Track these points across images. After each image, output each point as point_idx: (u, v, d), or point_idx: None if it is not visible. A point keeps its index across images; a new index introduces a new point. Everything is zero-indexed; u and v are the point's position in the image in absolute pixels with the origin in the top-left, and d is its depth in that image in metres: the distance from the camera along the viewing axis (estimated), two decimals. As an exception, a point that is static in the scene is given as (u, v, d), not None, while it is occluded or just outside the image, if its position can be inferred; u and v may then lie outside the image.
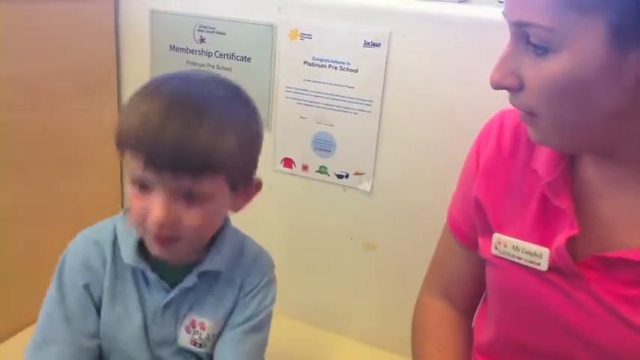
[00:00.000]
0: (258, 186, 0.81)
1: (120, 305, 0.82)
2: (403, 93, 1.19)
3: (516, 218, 0.73)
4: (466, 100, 1.14)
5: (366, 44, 1.19)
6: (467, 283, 0.89)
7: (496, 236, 0.74)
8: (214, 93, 0.73)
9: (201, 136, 0.67)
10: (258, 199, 1.35)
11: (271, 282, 0.89)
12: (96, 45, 1.38)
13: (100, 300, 0.82)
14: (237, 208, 0.81)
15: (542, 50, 0.60)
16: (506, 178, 0.76)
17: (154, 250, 0.75)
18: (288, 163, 1.33)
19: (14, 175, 1.22)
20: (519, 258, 0.71)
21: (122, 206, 1.54)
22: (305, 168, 1.31)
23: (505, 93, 1.07)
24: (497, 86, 0.64)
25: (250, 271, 0.87)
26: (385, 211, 1.27)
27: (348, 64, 1.21)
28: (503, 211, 0.75)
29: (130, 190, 0.73)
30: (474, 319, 0.92)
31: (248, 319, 0.85)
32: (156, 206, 0.69)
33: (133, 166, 0.70)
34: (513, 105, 0.66)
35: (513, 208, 0.74)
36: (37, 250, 1.30)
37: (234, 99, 0.77)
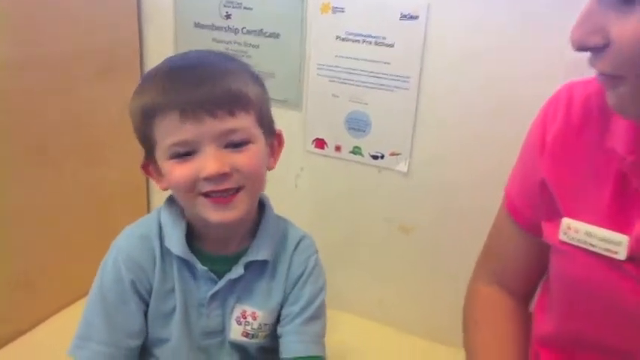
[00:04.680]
0: (280, 139, 0.82)
1: (168, 300, 0.80)
2: (442, 68, 1.13)
3: (589, 202, 0.67)
4: (510, 75, 1.07)
5: (403, 17, 1.12)
6: (526, 271, 0.83)
7: (565, 221, 0.68)
8: (227, 56, 0.80)
9: (227, 75, 0.71)
10: (288, 182, 1.32)
11: (318, 266, 0.86)
12: (118, 24, 1.32)
13: (149, 296, 0.79)
14: (271, 164, 0.81)
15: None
16: (577, 157, 0.69)
17: (215, 215, 0.72)
18: (320, 143, 1.27)
19: (36, 163, 1.18)
20: (592, 245, 0.65)
21: (147, 193, 1.49)
22: (338, 149, 1.26)
23: (558, 68, 1.02)
24: (579, 46, 0.57)
25: (294, 257, 0.84)
26: (422, 192, 1.22)
27: (384, 38, 1.15)
28: (574, 194, 0.69)
29: (165, 169, 0.72)
30: (532, 307, 0.86)
31: (304, 309, 0.83)
32: (207, 160, 0.69)
33: (169, 130, 0.69)
34: (595, 67, 0.59)
35: (586, 191, 0.67)
36: (60, 241, 1.27)
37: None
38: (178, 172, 0.70)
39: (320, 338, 0.85)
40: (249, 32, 1.27)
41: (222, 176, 0.69)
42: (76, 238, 1.30)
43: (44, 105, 1.17)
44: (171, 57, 0.78)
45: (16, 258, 1.17)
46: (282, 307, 0.84)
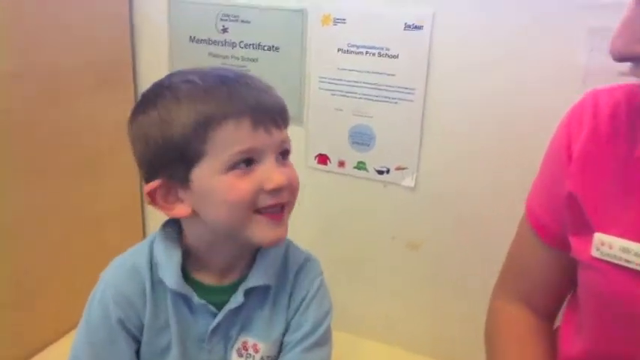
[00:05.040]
0: None
1: (162, 336, 0.74)
2: (448, 79, 1.09)
3: (622, 215, 0.63)
4: (518, 84, 1.04)
5: (407, 27, 1.09)
6: (551, 288, 0.79)
7: (598, 236, 0.64)
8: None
9: (271, 87, 0.71)
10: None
11: (323, 289, 0.80)
12: (110, 37, 1.28)
13: (140, 333, 0.73)
14: None
15: None
16: (607, 169, 0.65)
17: (271, 234, 0.68)
18: (322, 159, 1.23)
19: (30, 178, 1.13)
20: (628, 261, 0.61)
21: (142, 207, 1.44)
22: (341, 164, 1.22)
23: (568, 76, 0.99)
24: (622, 56, 0.54)
25: (297, 280, 0.78)
26: (430, 207, 1.18)
27: (387, 49, 1.11)
28: (605, 207, 0.65)
29: (218, 185, 0.65)
30: (559, 326, 0.82)
31: (307, 335, 0.76)
32: (273, 171, 0.67)
33: (237, 137, 0.65)
34: (637, 77, 0.56)
35: (617, 204, 0.64)
36: (58, 259, 1.22)
37: None
38: (242, 185, 0.65)
39: None
40: (247, 46, 1.23)
41: (286, 187, 0.67)
42: (70, 257, 1.25)
43: (37, 119, 1.12)
44: (198, 71, 0.70)
45: (7, 276, 1.12)
46: (284, 335, 0.78)
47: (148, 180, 0.69)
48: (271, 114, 0.67)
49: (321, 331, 0.77)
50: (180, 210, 0.69)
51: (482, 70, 1.06)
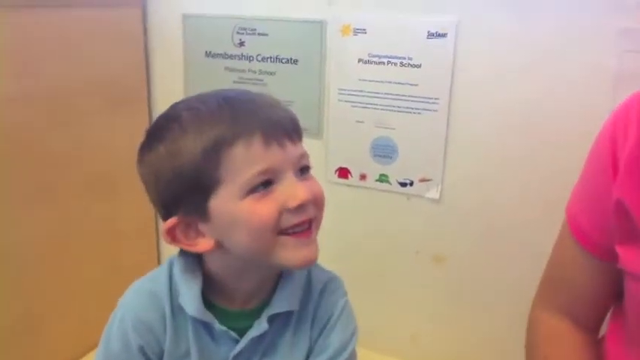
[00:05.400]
0: None
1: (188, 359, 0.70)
2: (474, 88, 1.07)
3: None
4: (547, 92, 1.02)
5: (430, 35, 1.07)
6: (595, 300, 0.76)
7: None
8: None
9: (283, 105, 0.68)
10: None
11: (347, 310, 0.76)
12: (123, 55, 1.26)
13: (159, 358, 0.70)
14: None
15: None
16: None
17: (300, 254, 0.64)
18: (343, 173, 1.20)
19: (42, 201, 1.11)
20: None
21: (156, 229, 1.41)
22: (363, 177, 1.19)
23: (598, 80, 0.97)
24: None
25: (321, 301, 0.75)
26: (456, 219, 1.15)
27: (410, 59, 1.09)
28: None
29: (237, 213, 0.62)
30: (604, 337, 0.79)
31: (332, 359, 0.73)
32: (295, 187, 0.63)
33: (251, 158, 0.61)
34: None
35: None
36: (70, 283, 1.18)
37: None
38: (265, 208, 0.61)
39: None
40: (264, 59, 1.21)
41: (308, 205, 0.64)
42: (81, 279, 1.22)
43: (50, 140, 1.10)
44: (199, 96, 0.67)
45: (18, 301, 1.08)
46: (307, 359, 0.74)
47: (165, 219, 0.66)
48: (283, 128, 0.63)
49: (346, 354, 0.73)
50: (204, 244, 0.65)
51: (508, 77, 1.04)
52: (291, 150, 0.64)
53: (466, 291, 1.18)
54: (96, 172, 1.21)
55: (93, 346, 1.21)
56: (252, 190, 0.61)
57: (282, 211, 0.62)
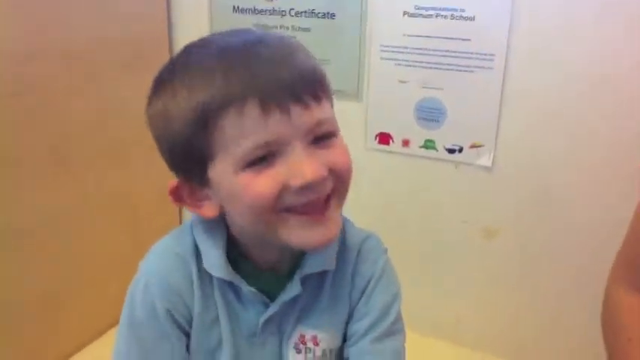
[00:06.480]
0: None
1: (212, 332, 0.64)
2: (534, 43, 0.98)
3: None
4: (616, 50, 0.92)
5: (486, -17, 0.97)
6: None
7: None
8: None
9: (298, 50, 0.55)
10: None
11: (388, 269, 0.69)
12: (144, 9, 1.17)
13: (189, 327, 0.63)
14: None
15: None
16: None
17: (312, 236, 0.55)
18: (384, 138, 1.12)
19: (55, 168, 1.03)
20: None
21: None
22: (406, 143, 1.11)
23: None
24: None
25: (358, 262, 0.67)
26: (509, 190, 1.06)
27: (462, 10, 1.00)
28: None
29: (233, 186, 0.53)
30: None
31: (375, 324, 0.65)
32: (302, 163, 0.52)
33: (246, 129, 0.51)
34: None
35: None
36: (85, 257, 1.12)
37: None
38: (261, 184, 0.52)
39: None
40: (298, 14, 1.12)
41: (322, 179, 0.53)
42: (101, 252, 1.15)
43: (63, 102, 1.02)
44: (203, 40, 0.58)
45: (36, 276, 1.02)
46: (347, 324, 0.67)
47: (181, 178, 0.59)
48: (289, 89, 0.52)
49: (391, 317, 0.66)
50: (209, 209, 0.59)
51: (572, 31, 0.95)
52: (300, 116, 0.52)
53: (518, 269, 1.10)
54: (113, 137, 1.13)
55: (114, 323, 1.15)
56: (252, 163, 0.52)
57: (284, 188, 0.53)
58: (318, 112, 0.54)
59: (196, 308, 0.62)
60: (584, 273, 1.03)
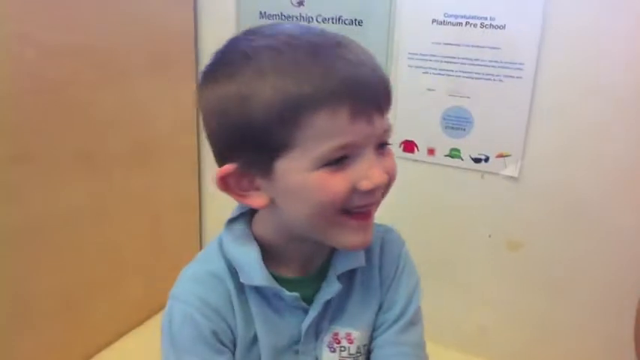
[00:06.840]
0: None
1: (252, 349, 0.63)
2: (565, 52, 0.97)
3: None
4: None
5: (517, -8, 0.96)
6: None
7: None
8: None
9: (373, 56, 0.56)
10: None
11: (409, 260, 0.71)
12: (171, 13, 1.17)
13: (233, 345, 0.62)
14: None
15: None
16: None
17: (356, 238, 0.57)
18: (409, 146, 1.11)
19: (82, 169, 1.03)
20: None
21: (200, 201, 1.31)
22: (431, 152, 1.09)
23: None
24: None
25: (384, 255, 0.69)
26: (536, 201, 1.05)
27: (492, 19, 0.99)
28: None
29: (306, 181, 0.53)
30: None
31: (401, 315, 0.67)
32: (372, 167, 0.54)
33: (334, 129, 0.52)
34: None
35: None
36: (108, 257, 1.11)
37: None
38: (336, 184, 0.53)
39: (422, 349, 0.70)
40: (325, 20, 1.11)
41: (382, 187, 0.55)
42: (124, 253, 1.14)
43: (89, 103, 1.02)
44: (276, 32, 0.56)
45: (57, 276, 1.01)
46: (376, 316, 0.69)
47: (221, 162, 0.57)
48: (375, 98, 0.54)
49: (414, 306, 0.69)
50: (257, 200, 0.58)
51: (605, 40, 0.93)
52: (378, 125, 0.54)
53: (543, 281, 1.08)
54: (138, 139, 1.13)
55: (134, 325, 1.14)
56: (327, 163, 0.53)
57: (353, 190, 0.54)
58: (387, 121, 0.56)
59: (239, 326, 0.62)
60: (613, 287, 1.01)
